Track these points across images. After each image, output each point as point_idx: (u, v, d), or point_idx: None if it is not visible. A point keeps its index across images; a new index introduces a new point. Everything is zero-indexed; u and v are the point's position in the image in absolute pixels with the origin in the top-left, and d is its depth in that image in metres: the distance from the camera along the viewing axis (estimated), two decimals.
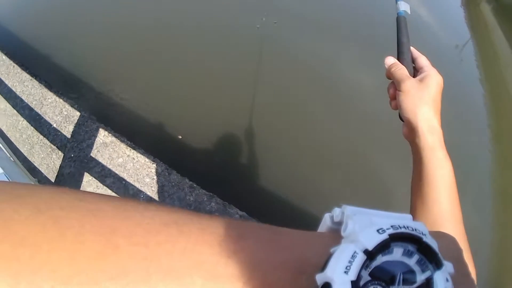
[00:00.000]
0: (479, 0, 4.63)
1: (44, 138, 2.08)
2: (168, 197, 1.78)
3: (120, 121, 2.17)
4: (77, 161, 1.96)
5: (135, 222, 0.19)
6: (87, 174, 1.91)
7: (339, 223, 0.20)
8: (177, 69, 2.53)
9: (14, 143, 2.13)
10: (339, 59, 2.93)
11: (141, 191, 1.81)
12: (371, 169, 2.24)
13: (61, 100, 2.14)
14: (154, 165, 1.86)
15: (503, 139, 2.95)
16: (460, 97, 2.86)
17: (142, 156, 1.88)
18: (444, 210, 0.45)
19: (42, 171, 2.01)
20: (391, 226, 0.17)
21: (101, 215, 0.19)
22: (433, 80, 0.52)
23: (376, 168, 2.24)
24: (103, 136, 1.97)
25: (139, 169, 1.87)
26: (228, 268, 0.18)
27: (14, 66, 2.38)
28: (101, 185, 1.85)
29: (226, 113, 2.31)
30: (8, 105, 2.26)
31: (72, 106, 2.09)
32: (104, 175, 1.89)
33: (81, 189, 1.84)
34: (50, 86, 2.23)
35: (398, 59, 0.58)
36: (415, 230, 0.17)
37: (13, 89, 2.31)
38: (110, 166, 1.89)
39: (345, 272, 0.16)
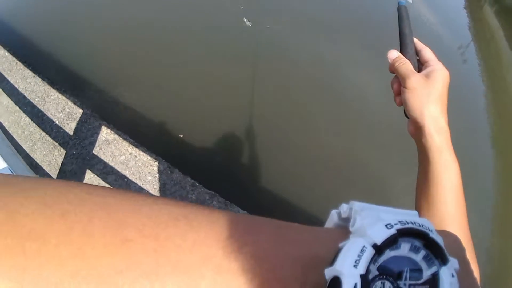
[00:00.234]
0: (482, 2, 4.62)
1: (47, 135, 2.08)
2: (169, 195, 1.79)
3: (123, 119, 2.17)
4: (79, 158, 1.96)
5: (144, 216, 0.19)
6: (89, 171, 1.91)
7: (347, 219, 0.20)
8: (180, 68, 2.53)
9: (16, 139, 2.14)
10: (340, 60, 2.93)
11: (143, 189, 1.82)
12: (371, 171, 2.24)
13: (63, 97, 2.14)
14: (156, 163, 1.86)
15: (505, 140, 2.94)
16: (463, 97, 2.86)
17: (145, 154, 1.88)
18: (449, 212, 0.45)
19: (44, 167, 2.01)
20: (399, 222, 0.17)
21: (110, 209, 0.19)
22: (440, 75, 0.50)
23: (376, 170, 2.25)
24: (105, 133, 1.97)
25: (141, 167, 1.87)
26: (237, 261, 0.18)
27: (17, 62, 2.38)
28: (103, 182, 1.85)
29: (228, 112, 2.31)
30: (11, 102, 2.26)
31: (75, 103, 2.10)
32: (106, 172, 1.89)
33: None
34: (52, 83, 2.23)
35: (401, 52, 0.55)
36: (422, 226, 0.18)
37: (16, 86, 2.31)
38: (112, 164, 1.89)
39: (354, 266, 0.16)
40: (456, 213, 0.45)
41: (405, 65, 0.52)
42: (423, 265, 0.17)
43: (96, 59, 2.54)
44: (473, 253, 0.42)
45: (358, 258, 0.16)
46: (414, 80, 0.50)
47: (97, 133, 1.98)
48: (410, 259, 0.17)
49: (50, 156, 2.02)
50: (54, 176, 1.96)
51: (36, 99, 2.20)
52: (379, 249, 0.16)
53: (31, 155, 2.06)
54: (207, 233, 0.19)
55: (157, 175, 1.84)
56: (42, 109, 2.16)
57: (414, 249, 0.17)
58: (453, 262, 0.18)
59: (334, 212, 0.21)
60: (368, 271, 0.16)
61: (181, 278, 0.17)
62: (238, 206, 1.74)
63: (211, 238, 0.18)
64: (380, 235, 0.16)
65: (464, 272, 0.19)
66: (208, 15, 2.97)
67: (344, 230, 0.19)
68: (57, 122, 2.10)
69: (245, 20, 2.80)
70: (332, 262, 0.17)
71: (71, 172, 1.94)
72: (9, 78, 2.35)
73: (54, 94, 2.17)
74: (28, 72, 2.31)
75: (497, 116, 3.10)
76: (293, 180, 2.13)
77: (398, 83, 0.53)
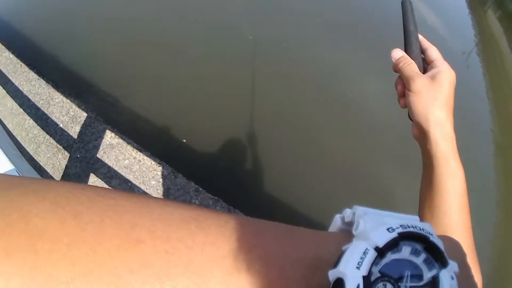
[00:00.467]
0: (486, 8, 4.63)
1: (51, 137, 2.09)
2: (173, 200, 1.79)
3: (127, 123, 2.18)
4: (83, 161, 1.96)
5: (155, 218, 0.19)
6: (93, 175, 1.91)
7: (350, 224, 0.20)
8: (182, 70, 2.54)
9: (20, 141, 2.14)
10: (341, 61, 2.94)
11: (147, 194, 1.82)
12: (373, 177, 2.24)
13: (68, 100, 2.14)
14: (160, 167, 1.86)
15: (508, 145, 2.95)
16: (466, 103, 2.86)
17: (149, 159, 1.88)
18: (453, 221, 0.44)
19: (48, 170, 2.01)
20: (400, 226, 0.18)
21: (122, 210, 0.19)
22: (446, 77, 0.48)
23: (379, 176, 2.25)
24: (109, 137, 1.97)
25: (145, 172, 1.87)
26: (246, 262, 0.18)
27: (21, 65, 2.39)
28: (107, 186, 1.86)
29: (231, 118, 2.32)
30: (15, 104, 2.27)
31: (79, 107, 2.10)
32: (110, 176, 1.89)
33: None
34: (57, 86, 2.23)
35: (406, 51, 0.52)
36: (423, 230, 0.18)
37: (20, 88, 2.31)
38: (116, 168, 1.90)
39: (357, 267, 0.16)
40: (460, 221, 0.44)
41: (410, 66, 0.50)
42: (423, 267, 0.18)
43: (100, 64, 2.54)
44: (476, 260, 0.42)
45: (360, 260, 0.17)
46: (419, 83, 0.48)
47: (101, 137, 1.98)
48: (411, 261, 0.18)
49: (54, 159, 2.03)
50: (58, 179, 1.96)
51: (41, 102, 2.21)
52: (381, 252, 0.17)
53: (35, 158, 2.07)
54: (217, 235, 0.19)
55: (161, 179, 1.85)
56: (46, 112, 2.16)
57: (415, 252, 0.18)
58: (452, 265, 0.18)
59: (337, 217, 0.22)
60: (370, 273, 0.17)
61: (192, 278, 0.18)
62: (241, 212, 1.74)
63: (220, 240, 0.19)
64: (382, 238, 0.17)
65: (463, 275, 0.20)
66: (214, 21, 2.98)
67: (347, 234, 0.20)
68: (61, 125, 2.10)
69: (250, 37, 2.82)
70: (335, 264, 0.17)
71: (74, 175, 1.95)
72: (13, 80, 2.35)
73: (58, 97, 2.18)
74: (32, 75, 2.31)
75: (500, 122, 3.10)
76: (296, 183, 2.13)
77: (402, 85, 0.51)
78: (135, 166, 1.89)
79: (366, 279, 0.16)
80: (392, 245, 0.17)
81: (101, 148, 1.96)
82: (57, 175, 1.99)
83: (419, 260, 0.18)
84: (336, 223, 0.22)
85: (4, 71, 2.42)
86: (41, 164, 2.04)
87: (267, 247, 0.19)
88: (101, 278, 0.17)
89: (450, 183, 0.45)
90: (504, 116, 3.22)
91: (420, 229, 0.18)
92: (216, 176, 2.03)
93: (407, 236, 0.18)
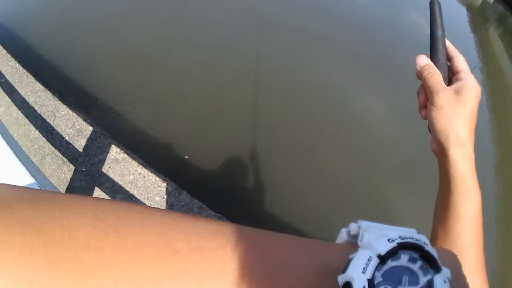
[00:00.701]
0: (488, 26, 4.67)
1: (56, 150, 2.10)
2: None
3: (132, 138, 2.19)
4: (88, 175, 1.98)
5: (190, 231, 0.21)
6: (98, 188, 1.93)
7: (355, 236, 0.23)
8: (189, 90, 2.56)
9: (26, 152, 2.15)
10: (345, 80, 2.96)
11: None
12: (377, 195, 2.26)
13: (74, 113, 2.16)
14: (165, 184, 1.88)
15: (510, 163, 2.97)
16: None
17: (153, 175, 1.90)
18: (467, 244, 0.44)
19: (53, 182, 2.03)
20: (399, 237, 0.21)
21: (158, 225, 0.21)
22: (472, 93, 0.46)
23: (383, 195, 2.27)
24: (115, 152, 1.99)
25: (150, 187, 1.89)
26: (268, 268, 0.21)
27: (27, 75, 2.40)
28: None
29: (235, 136, 2.34)
30: (21, 114, 2.28)
31: (85, 121, 2.12)
32: (115, 191, 1.91)
33: None
34: (63, 98, 2.25)
35: (431, 58, 0.49)
36: (419, 240, 0.21)
37: (26, 98, 2.33)
38: (121, 183, 1.91)
39: (362, 272, 0.19)
40: (473, 244, 0.44)
41: (434, 77, 0.47)
42: (419, 273, 0.21)
43: (107, 77, 2.56)
44: (485, 277, 0.42)
45: (365, 266, 0.19)
46: (443, 98, 0.46)
47: (107, 151, 2.00)
48: (409, 268, 0.21)
49: (59, 171, 2.04)
50: (63, 191, 1.98)
51: (47, 113, 2.22)
52: (383, 259, 0.19)
53: (40, 169, 2.08)
54: (243, 246, 0.22)
55: (165, 196, 1.86)
56: (52, 124, 2.18)
57: (412, 260, 0.21)
58: (445, 271, 0.21)
59: (344, 230, 0.24)
60: (374, 277, 0.19)
61: (225, 284, 0.20)
62: None
63: (248, 250, 0.21)
64: (384, 248, 0.20)
65: (456, 282, 0.22)
66: (220, 37, 3.00)
67: (353, 245, 0.22)
68: (66, 138, 2.12)
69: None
70: (344, 270, 0.20)
71: (79, 188, 1.96)
72: (19, 90, 2.37)
73: (64, 109, 2.19)
74: (39, 86, 2.33)
75: (501, 139, 3.13)
76: (299, 201, 2.15)
77: (425, 95, 0.49)
78: (140, 182, 1.91)
79: (370, 282, 0.19)
80: (392, 253, 0.20)
81: (106, 162, 1.98)
82: (62, 187, 2.00)
83: (416, 266, 0.21)
84: (342, 236, 0.24)
85: (10, 80, 2.44)
86: (46, 175, 2.05)
87: (284, 256, 0.22)
88: (144, 284, 0.19)
89: (466, 205, 0.44)
90: (506, 132, 3.24)
91: (417, 240, 0.21)
92: (220, 193, 2.05)
93: (405, 246, 0.20)
